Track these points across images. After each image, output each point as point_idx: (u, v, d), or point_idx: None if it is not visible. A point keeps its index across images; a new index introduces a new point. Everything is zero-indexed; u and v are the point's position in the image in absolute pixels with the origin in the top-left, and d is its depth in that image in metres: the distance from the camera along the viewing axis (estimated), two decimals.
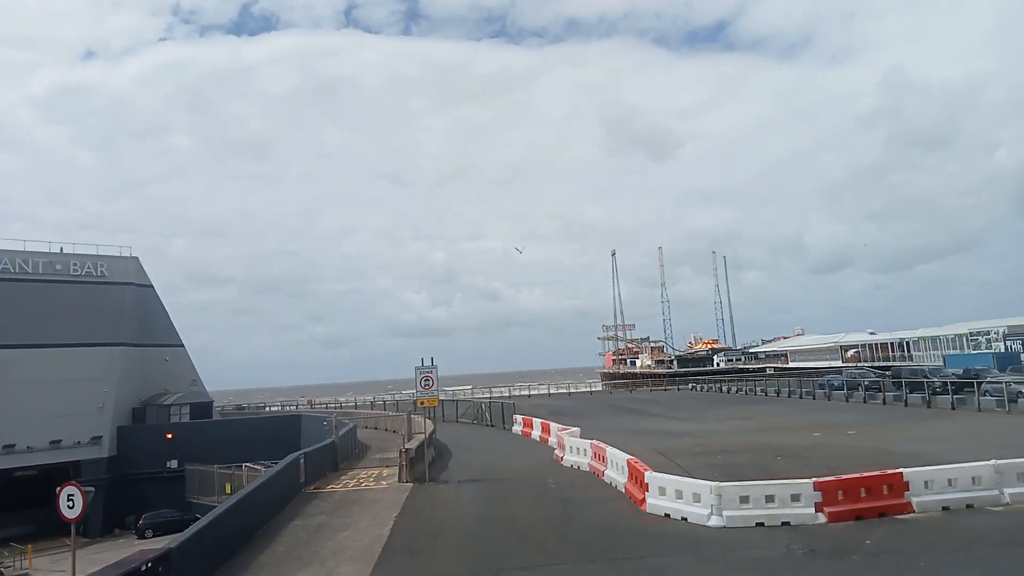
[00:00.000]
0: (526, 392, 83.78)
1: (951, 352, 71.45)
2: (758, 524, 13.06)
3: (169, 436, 44.93)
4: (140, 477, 43.73)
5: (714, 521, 13.22)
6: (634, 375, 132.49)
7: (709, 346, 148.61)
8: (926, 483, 13.38)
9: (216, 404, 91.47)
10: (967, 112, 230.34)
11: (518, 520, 14.82)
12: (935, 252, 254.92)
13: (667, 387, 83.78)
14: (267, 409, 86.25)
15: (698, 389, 74.69)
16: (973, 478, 13.43)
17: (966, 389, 33.95)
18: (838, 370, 64.66)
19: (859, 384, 44.52)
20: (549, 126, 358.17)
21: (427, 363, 19.36)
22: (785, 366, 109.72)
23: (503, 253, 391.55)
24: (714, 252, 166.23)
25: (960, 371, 46.89)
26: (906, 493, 13.32)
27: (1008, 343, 65.91)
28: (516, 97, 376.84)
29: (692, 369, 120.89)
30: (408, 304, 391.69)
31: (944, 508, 13.22)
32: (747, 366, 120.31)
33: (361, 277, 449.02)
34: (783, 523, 13.02)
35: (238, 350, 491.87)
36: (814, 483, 13.20)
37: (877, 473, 13.62)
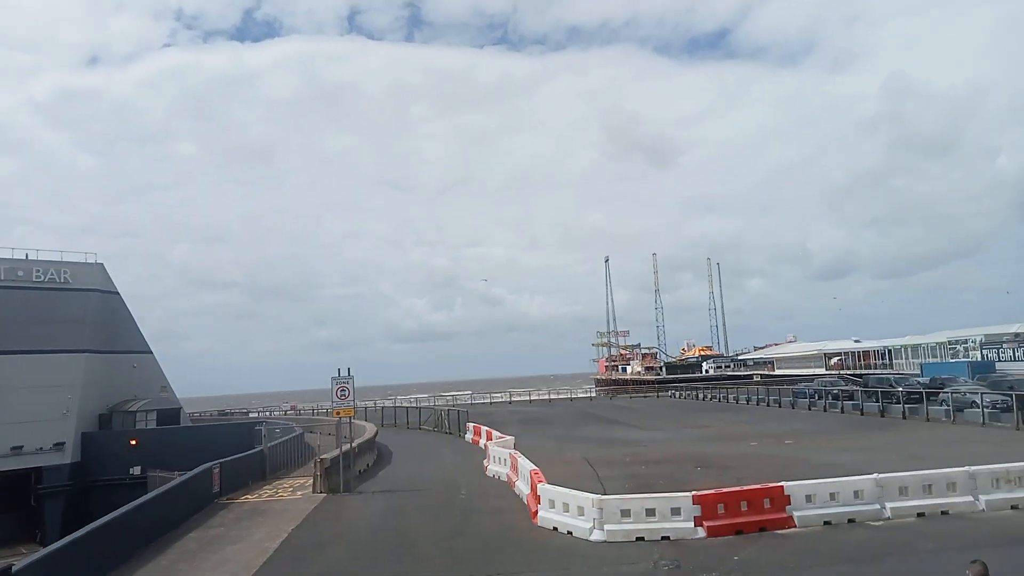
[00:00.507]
0: (507, 399, 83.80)
1: (929, 361, 71.38)
2: (639, 538, 12.99)
3: (133, 442, 44.75)
4: (103, 484, 43.55)
5: (596, 535, 13.15)
6: (625, 381, 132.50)
7: (699, 353, 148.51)
8: (808, 497, 13.32)
9: (209, 409, 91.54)
10: (969, 118, 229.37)
11: (409, 533, 14.75)
12: (937, 258, 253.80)
13: (647, 394, 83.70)
14: (249, 415, 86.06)
15: (679, 396, 74.42)
16: (855, 492, 13.37)
17: (931, 399, 33.86)
18: (811, 378, 64.56)
19: (828, 392, 44.54)
20: (551, 133, 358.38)
21: (344, 374, 19.36)
22: (771, 373, 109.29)
23: (504, 259, 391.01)
24: (709, 259, 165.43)
25: (928, 380, 47.04)
26: (788, 507, 13.25)
27: (984, 352, 65.83)
28: (518, 104, 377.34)
29: (681, 376, 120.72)
30: (410, 309, 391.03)
31: (826, 522, 13.15)
32: (736, 373, 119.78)
33: (363, 282, 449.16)
34: (663, 537, 12.95)
35: (241, 354, 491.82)
36: (693, 496, 13.14)
37: (758, 487, 13.56)
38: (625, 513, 13.24)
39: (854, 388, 48.47)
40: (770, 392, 50.45)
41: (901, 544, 11.80)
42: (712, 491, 13.44)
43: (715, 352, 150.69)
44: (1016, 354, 62.08)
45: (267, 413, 78.52)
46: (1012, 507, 13.27)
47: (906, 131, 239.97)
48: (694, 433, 32.20)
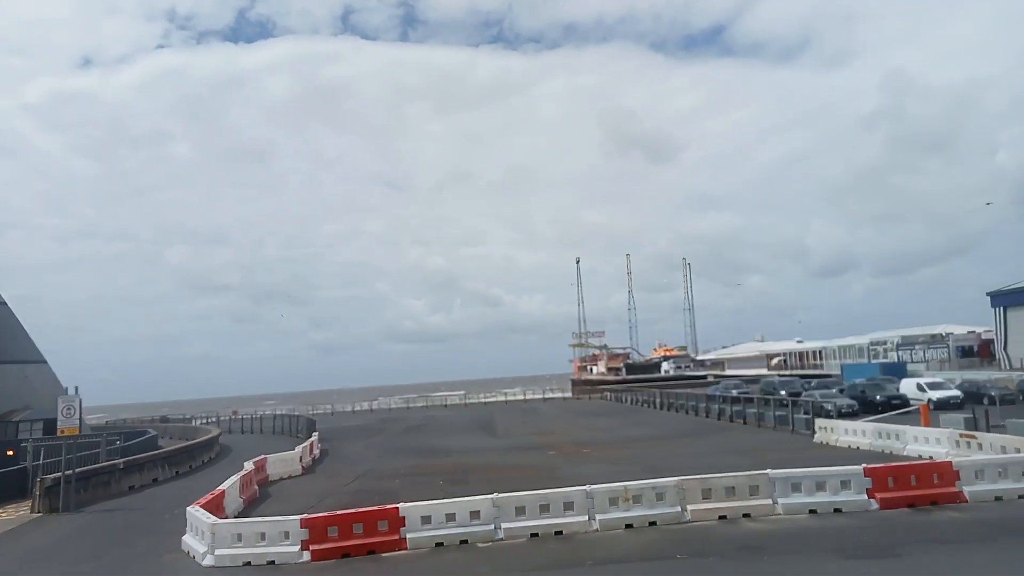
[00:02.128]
0: (443, 403, 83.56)
1: (851, 361, 71.56)
2: (246, 563, 12.75)
3: (10, 453, 44.20)
4: None
5: (207, 560, 12.89)
6: (592, 382, 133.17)
7: (665, 353, 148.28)
8: (424, 518, 13.10)
9: (152, 416, 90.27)
10: (968, 114, 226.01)
11: (48, 557, 14.45)
12: (937, 255, 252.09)
13: (579, 396, 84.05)
14: (193, 422, 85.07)
15: (608, 398, 74.28)
16: (472, 512, 13.17)
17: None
18: (717, 380, 64.74)
19: (722, 397, 44.95)
20: (547, 131, 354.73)
21: (72, 392, 19.11)
22: (722, 373, 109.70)
23: (503, 258, 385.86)
24: (684, 258, 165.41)
25: (811, 383, 47.34)
26: (402, 529, 13.03)
27: (899, 353, 66.09)
28: (514, 102, 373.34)
29: (640, 376, 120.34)
30: (408, 310, 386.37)
31: (438, 544, 12.94)
32: (694, 373, 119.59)
33: (361, 283, 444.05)
34: (269, 562, 12.72)
35: (238, 357, 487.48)
36: (301, 520, 12.92)
37: (374, 509, 13.35)
38: (237, 537, 13.00)
39: (738, 393, 48.87)
40: (665, 395, 50.25)
41: (462, 567, 11.62)
42: (323, 514, 13.23)
43: (679, 353, 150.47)
44: (925, 355, 62.40)
45: (210, 419, 77.36)
46: (626, 526, 13.09)
47: (905, 127, 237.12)
48: (528, 441, 32.04)
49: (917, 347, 63.80)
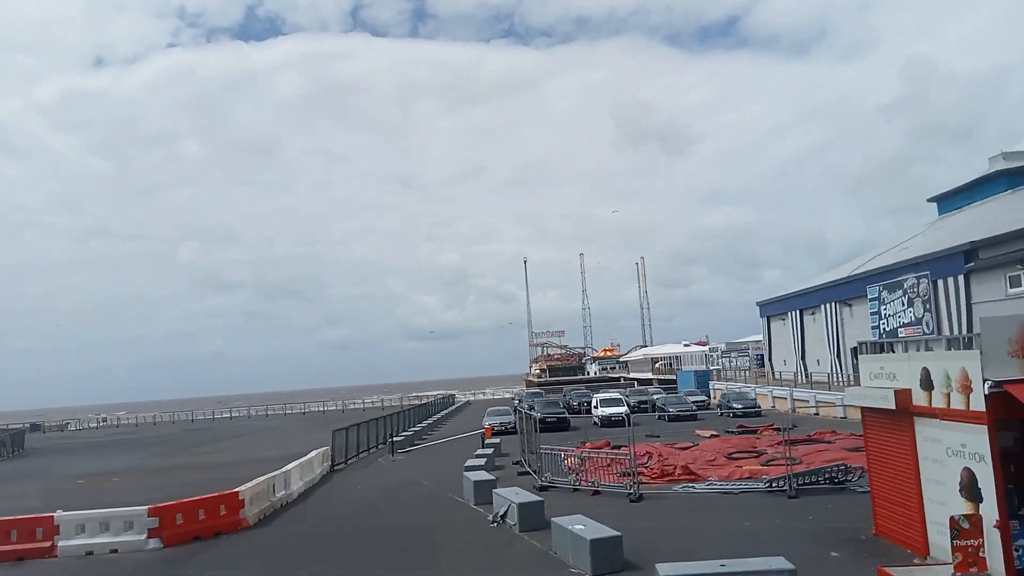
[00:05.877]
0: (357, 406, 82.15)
1: (687, 368, 71.52)
2: None
3: None
4: None
5: None
6: (530, 382, 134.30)
7: (603, 354, 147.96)
8: None
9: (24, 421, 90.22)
10: (991, 102, 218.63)
11: None
12: None
13: None
14: (67, 427, 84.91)
15: None
16: None
17: None
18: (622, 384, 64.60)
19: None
20: (559, 126, 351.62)
21: None
22: (628, 375, 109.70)
23: (515, 255, 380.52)
24: (642, 257, 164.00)
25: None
26: None
27: (723, 360, 65.93)
28: (525, 97, 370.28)
29: (561, 379, 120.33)
30: (421, 307, 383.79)
31: None
32: (615, 375, 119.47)
33: (373, 281, 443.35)
34: None
35: (251, 354, 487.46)
36: None
37: None
38: None
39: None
40: None
41: None
42: None
43: (607, 354, 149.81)
44: (736, 363, 62.25)
45: (82, 425, 77.02)
46: None
47: (925, 117, 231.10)
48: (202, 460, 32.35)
49: (733, 355, 63.73)
